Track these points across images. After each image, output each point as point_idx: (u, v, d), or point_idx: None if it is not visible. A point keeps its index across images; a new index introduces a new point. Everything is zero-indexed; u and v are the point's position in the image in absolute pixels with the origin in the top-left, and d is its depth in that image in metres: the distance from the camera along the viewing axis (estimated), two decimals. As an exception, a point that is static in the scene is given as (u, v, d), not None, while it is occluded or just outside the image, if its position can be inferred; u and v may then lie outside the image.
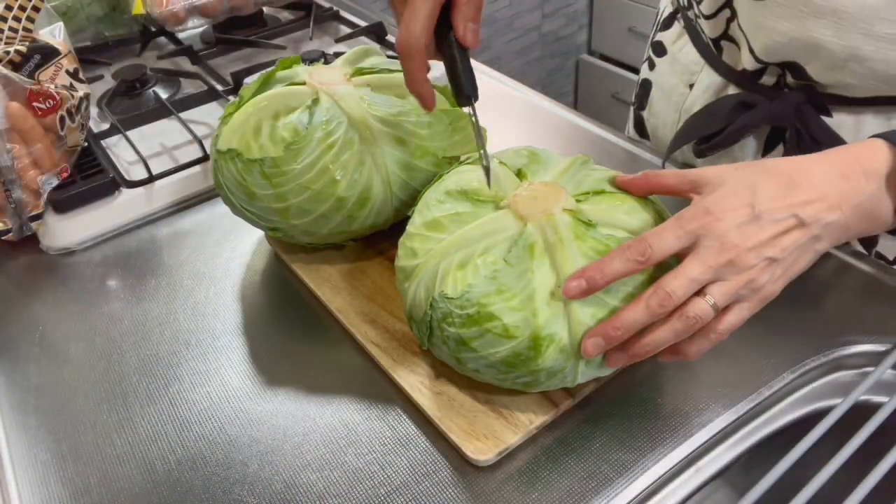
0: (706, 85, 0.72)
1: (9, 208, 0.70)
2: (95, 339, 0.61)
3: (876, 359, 0.53)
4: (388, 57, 0.68)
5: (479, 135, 0.51)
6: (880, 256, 0.68)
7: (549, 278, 0.45)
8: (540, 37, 2.23)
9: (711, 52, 0.71)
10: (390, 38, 1.01)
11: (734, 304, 0.45)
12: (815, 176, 0.45)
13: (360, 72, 0.61)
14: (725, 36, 0.68)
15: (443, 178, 0.54)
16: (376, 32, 1.01)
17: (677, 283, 0.43)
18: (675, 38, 0.77)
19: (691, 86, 0.74)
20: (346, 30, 1.04)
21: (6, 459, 0.52)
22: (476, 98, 0.50)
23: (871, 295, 0.60)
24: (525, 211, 0.48)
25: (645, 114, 0.85)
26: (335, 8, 1.11)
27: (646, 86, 0.84)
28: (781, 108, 0.64)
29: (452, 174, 0.53)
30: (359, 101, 0.58)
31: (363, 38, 1.02)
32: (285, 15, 1.13)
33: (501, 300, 0.45)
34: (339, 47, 1.00)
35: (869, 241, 0.68)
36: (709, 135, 0.69)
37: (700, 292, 0.44)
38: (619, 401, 0.52)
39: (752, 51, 0.64)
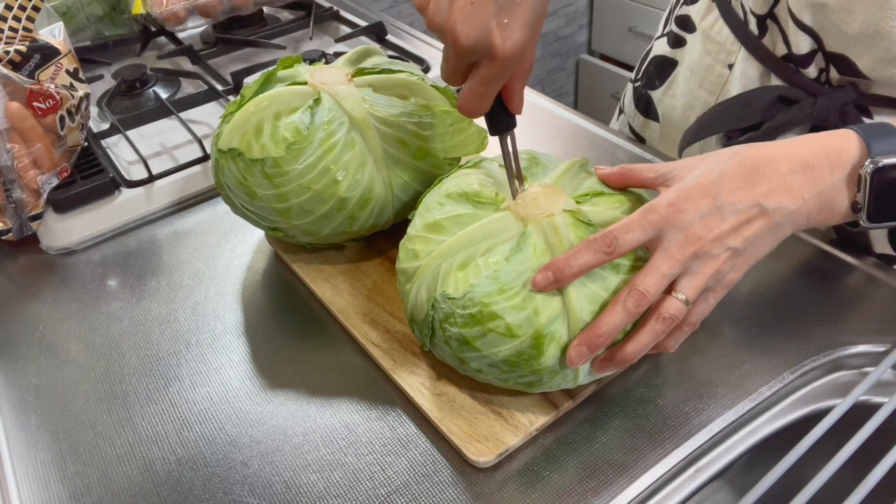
0: (743, 69, 0.68)
1: (9, 208, 0.70)
2: (95, 339, 0.61)
3: (876, 359, 0.53)
4: (390, 57, 0.68)
5: (513, 161, 0.50)
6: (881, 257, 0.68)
7: None
8: (540, 37, 2.23)
9: (749, 32, 0.67)
10: (390, 37, 1.01)
11: (701, 296, 0.46)
12: (779, 165, 0.45)
13: (361, 72, 0.61)
14: (771, 14, 0.64)
15: (442, 182, 0.54)
16: (376, 32, 1.01)
17: (649, 280, 0.44)
18: (704, 14, 0.73)
19: (731, 66, 0.70)
20: (346, 30, 1.04)
21: (6, 459, 0.52)
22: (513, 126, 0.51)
23: (871, 295, 0.60)
24: (526, 212, 0.48)
25: (657, 94, 0.81)
26: (335, 8, 1.11)
27: (663, 64, 0.79)
28: (826, 107, 0.61)
29: (452, 177, 0.53)
30: (360, 102, 0.58)
31: (363, 38, 1.02)
32: (285, 15, 1.13)
33: (504, 299, 0.45)
34: (340, 47, 1.00)
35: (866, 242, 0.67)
36: (743, 128, 0.66)
37: (670, 289, 0.45)
38: (619, 401, 0.52)
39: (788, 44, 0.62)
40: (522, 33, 0.44)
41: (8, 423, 0.55)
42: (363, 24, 1.04)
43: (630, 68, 2.21)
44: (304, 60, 0.64)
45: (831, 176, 0.46)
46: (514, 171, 0.50)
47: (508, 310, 0.45)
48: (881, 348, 0.54)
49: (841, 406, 0.48)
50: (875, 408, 0.47)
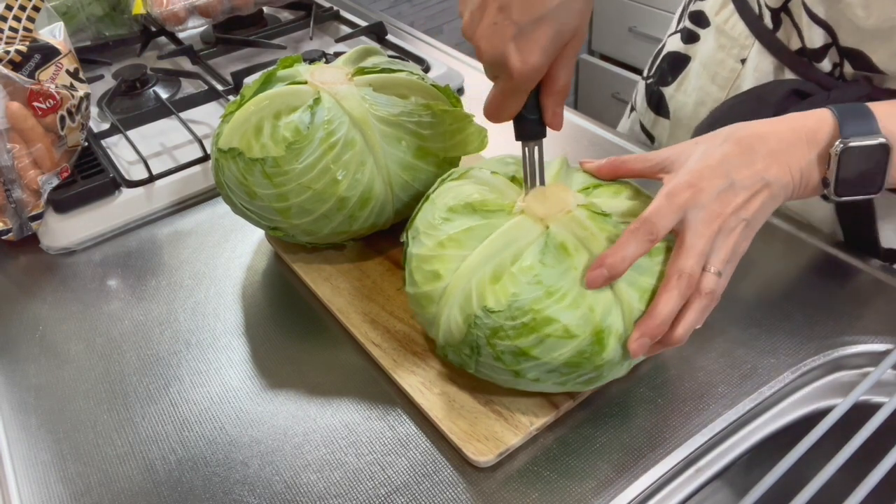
0: (756, 64, 0.69)
1: (9, 208, 0.70)
2: (95, 339, 0.61)
3: (876, 359, 0.53)
4: (390, 57, 0.68)
5: (536, 168, 0.51)
6: (889, 253, 0.67)
7: None
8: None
9: (763, 26, 0.68)
10: (390, 37, 1.01)
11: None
12: (770, 141, 0.49)
13: (361, 71, 0.61)
14: (785, 8, 0.65)
15: (432, 198, 0.52)
16: (376, 32, 1.01)
17: (692, 261, 0.46)
18: (719, 9, 0.73)
19: (743, 61, 0.71)
20: (346, 30, 1.04)
21: (6, 459, 0.52)
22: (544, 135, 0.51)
23: (871, 295, 0.60)
24: (543, 213, 0.48)
25: (669, 90, 0.81)
26: (335, 8, 1.11)
27: (676, 60, 0.79)
28: (839, 101, 0.60)
29: (444, 191, 0.52)
30: (360, 101, 0.58)
31: (363, 38, 1.02)
32: (285, 15, 1.13)
33: (554, 301, 0.44)
34: (340, 47, 1.00)
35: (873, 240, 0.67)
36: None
37: (703, 268, 0.47)
38: (619, 401, 0.52)
39: (803, 38, 0.62)
40: (539, 56, 0.46)
41: (8, 423, 0.55)
42: (363, 24, 1.04)
43: (630, 68, 2.21)
44: (304, 60, 0.64)
45: (809, 153, 0.49)
46: (534, 179, 0.51)
47: (562, 311, 0.44)
48: (881, 348, 0.54)
49: (841, 406, 0.48)
50: (875, 408, 0.47)
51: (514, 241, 0.47)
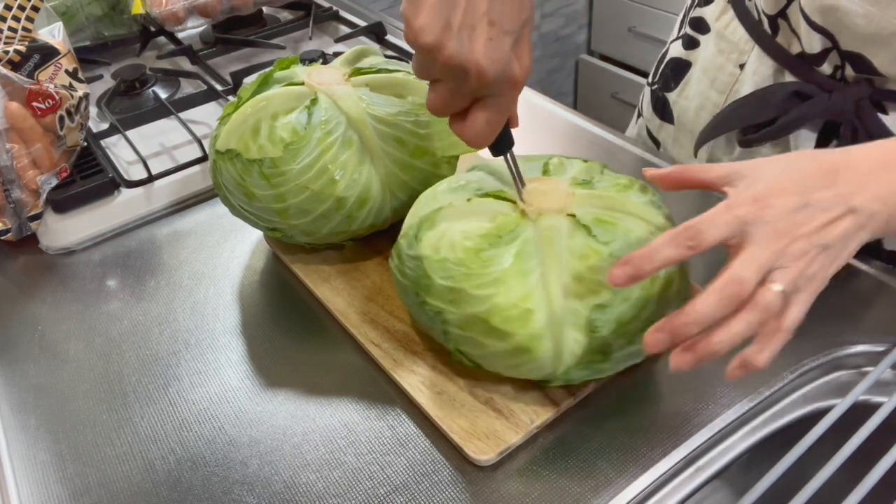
0: (755, 68, 0.68)
1: (8, 208, 0.70)
2: (95, 339, 0.61)
3: (875, 359, 0.53)
4: (387, 57, 0.68)
5: (517, 172, 0.51)
6: (891, 255, 0.67)
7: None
8: (539, 37, 2.23)
9: (763, 31, 0.67)
10: (390, 37, 1.01)
11: (792, 296, 0.43)
12: (860, 166, 0.44)
13: (358, 72, 0.61)
14: (783, 14, 0.64)
15: (451, 239, 0.48)
16: (376, 32, 1.01)
17: (747, 270, 0.41)
18: (719, 14, 0.73)
19: (742, 66, 0.70)
20: (345, 30, 1.04)
21: (6, 459, 0.52)
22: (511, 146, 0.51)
23: (871, 295, 0.60)
24: (554, 205, 0.49)
25: (672, 95, 0.81)
26: (335, 8, 1.11)
27: (678, 66, 0.79)
28: (841, 103, 0.61)
29: (454, 230, 0.49)
30: (357, 102, 0.58)
31: (363, 38, 1.02)
32: (285, 15, 1.13)
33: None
34: (339, 47, 1.00)
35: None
36: (757, 124, 0.66)
37: (763, 283, 0.42)
38: (619, 401, 0.52)
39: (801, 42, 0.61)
40: (531, 56, 0.46)
41: (8, 423, 0.55)
42: (363, 24, 1.04)
43: (630, 68, 2.21)
44: (304, 60, 0.64)
45: None
46: (521, 180, 0.51)
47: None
48: (881, 348, 0.54)
49: (841, 406, 0.48)
50: (875, 407, 0.47)
51: (556, 240, 0.47)
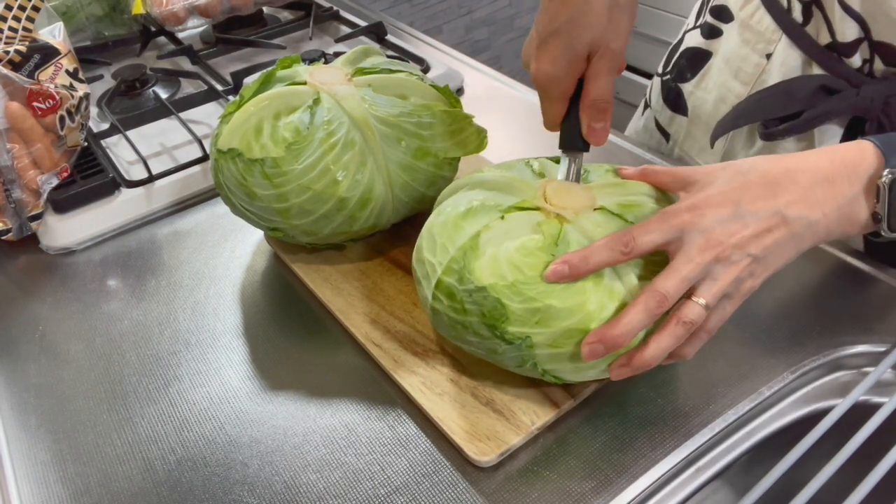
0: (783, 59, 0.67)
1: (9, 208, 0.70)
2: (95, 339, 0.61)
3: (875, 359, 0.53)
4: (388, 57, 0.68)
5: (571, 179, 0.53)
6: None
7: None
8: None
9: (792, 20, 0.66)
10: (390, 37, 1.01)
11: (719, 304, 0.46)
12: (800, 177, 0.45)
13: (361, 72, 0.61)
14: (816, 1, 0.63)
15: (488, 255, 0.47)
16: (376, 32, 1.01)
17: (670, 283, 0.44)
18: (744, 3, 0.72)
19: (769, 56, 0.69)
20: (346, 30, 1.04)
21: (6, 459, 0.52)
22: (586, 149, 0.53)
23: (871, 295, 0.60)
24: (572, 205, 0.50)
25: (688, 86, 0.79)
26: (335, 8, 1.11)
27: (696, 56, 0.78)
28: (869, 98, 0.60)
29: (502, 249, 0.47)
30: (360, 102, 0.58)
31: (363, 38, 1.02)
32: (285, 15, 1.13)
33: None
34: (339, 47, 1.00)
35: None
36: (780, 117, 0.65)
37: (690, 294, 0.45)
38: (619, 401, 0.52)
39: (833, 32, 0.61)
40: (550, 65, 0.50)
41: (8, 423, 0.55)
42: (363, 24, 1.04)
43: (630, 68, 2.20)
44: (304, 60, 0.64)
45: (850, 189, 0.46)
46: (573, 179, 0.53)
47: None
48: (881, 348, 0.54)
49: (841, 406, 0.48)
50: (875, 408, 0.47)
51: (604, 234, 0.47)
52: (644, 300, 0.44)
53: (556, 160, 0.55)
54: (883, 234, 0.47)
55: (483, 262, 0.46)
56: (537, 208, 0.49)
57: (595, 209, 0.49)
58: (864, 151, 0.46)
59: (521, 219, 0.48)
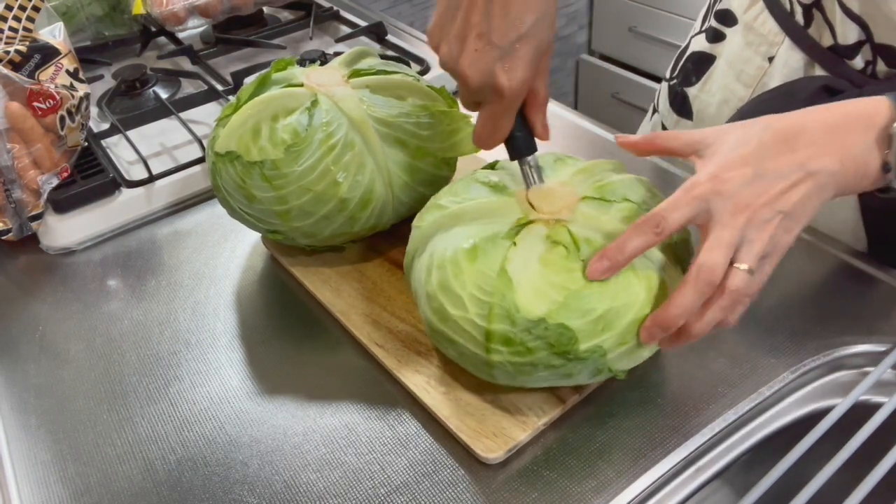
0: (785, 61, 0.68)
1: (9, 208, 0.70)
2: (95, 339, 0.61)
3: (876, 359, 0.53)
4: (385, 58, 0.68)
5: (535, 183, 0.52)
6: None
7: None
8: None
9: (794, 22, 0.66)
10: (390, 37, 1.01)
11: (759, 267, 0.45)
12: (816, 129, 0.45)
13: (357, 73, 0.61)
14: (818, 3, 0.63)
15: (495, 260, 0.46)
16: (376, 32, 1.01)
17: (715, 254, 0.43)
18: (748, 6, 0.72)
19: (771, 59, 0.69)
20: (346, 30, 1.04)
21: (6, 459, 0.52)
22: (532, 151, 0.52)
23: (871, 295, 0.60)
24: (552, 210, 0.49)
25: (693, 90, 0.79)
26: (335, 8, 1.11)
27: (701, 59, 0.78)
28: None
29: (536, 276, 0.46)
30: (358, 103, 0.58)
31: (363, 38, 1.02)
32: (285, 15, 1.13)
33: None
34: (339, 47, 1.00)
35: None
36: None
37: (730, 263, 0.44)
38: (620, 401, 0.52)
39: (834, 34, 0.60)
40: (525, 71, 0.47)
41: (8, 423, 0.55)
42: (363, 24, 1.04)
43: (630, 68, 2.20)
44: (304, 61, 0.64)
45: (865, 137, 0.45)
46: (527, 185, 0.52)
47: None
48: (881, 348, 0.54)
49: (841, 406, 0.48)
50: (875, 408, 0.47)
51: (608, 222, 0.48)
52: (693, 278, 0.43)
53: (492, 165, 0.55)
54: (893, 185, 0.46)
55: (524, 293, 0.44)
56: (531, 222, 0.48)
57: (580, 200, 0.49)
58: (878, 104, 0.46)
59: (528, 237, 0.47)
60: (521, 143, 0.51)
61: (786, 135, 0.45)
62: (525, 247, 0.46)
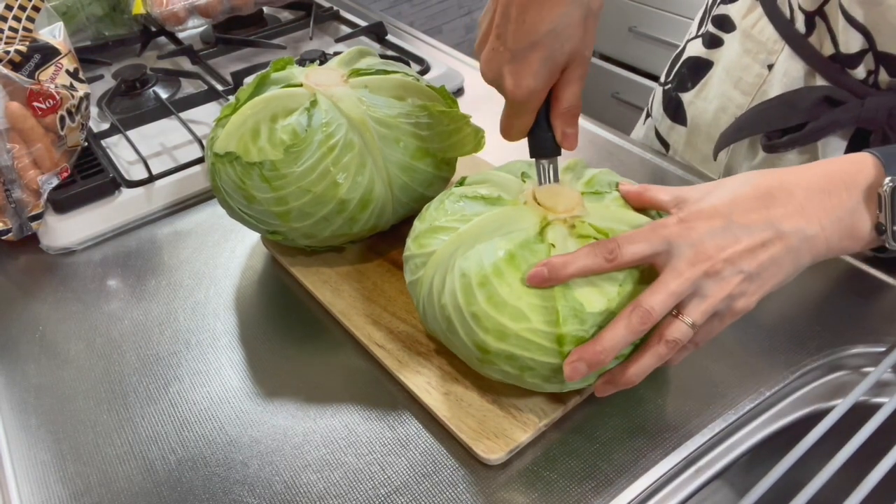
0: (785, 69, 0.66)
1: (9, 208, 0.70)
2: (95, 339, 0.61)
3: (876, 359, 0.53)
4: (384, 58, 0.68)
5: (542, 179, 0.52)
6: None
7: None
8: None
9: (795, 30, 0.65)
10: (390, 37, 1.01)
11: (707, 323, 0.44)
12: (795, 190, 0.44)
13: (356, 73, 0.61)
14: (820, 11, 0.62)
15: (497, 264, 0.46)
16: (376, 32, 1.01)
17: (656, 298, 0.42)
18: (746, 12, 0.71)
19: (770, 66, 0.68)
20: (346, 30, 1.04)
21: (6, 459, 0.52)
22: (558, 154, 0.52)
23: (871, 295, 0.60)
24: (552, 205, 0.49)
25: (688, 96, 0.78)
26: (335, 8, 1.11)
27: (697, 65, 0.77)
28: (873, 110, 0.59)
29: (581, 296, 0.45)
30: (357, 103, 0.58)
31: (363, 38, 1.02)
32: (285, 15, 1.13)
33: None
34: (339, 47, 1.00)
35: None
36: (783, 129, 0.64)
37: (677, 311, 0.43)
38: (620, 401, 0.52)
39: (836, 43, 0.60)
40: (531, 80, 0.48)
41: (8, 423, 0.55)
42: (363, 24, 1.04)
43: (630, 68, 2.20)
44: (304, 60, 0.64)
45: (849, 200, 0.44)
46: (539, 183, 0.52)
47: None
48: (881, 348, 0.54)
49: (841, 406, 0.48)
50: (875, 408, 0.47)
51: (612, 216, 0.48)
52: (627, 316, 0.42)
53: (462, 181, 0.54)
54: (888, 246, 0.44)
55: (581, 290, 0.44)
56: (549, 223, 0.48)
57: (583, 193, 0.50)
58: (861, 162, 0.45)
59: (558, 237, 0.47)
60: (542, 144, 0.52)
61: (763, 191, 0.43)
62: (561, 246, 0.46)
